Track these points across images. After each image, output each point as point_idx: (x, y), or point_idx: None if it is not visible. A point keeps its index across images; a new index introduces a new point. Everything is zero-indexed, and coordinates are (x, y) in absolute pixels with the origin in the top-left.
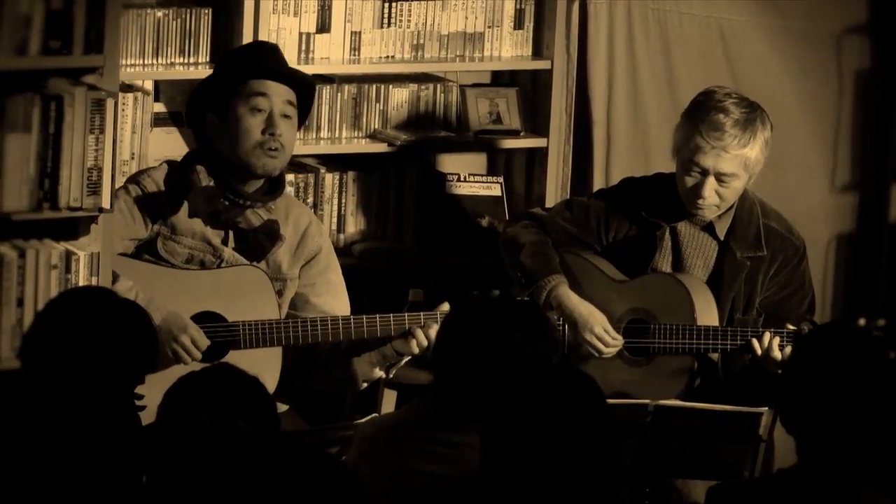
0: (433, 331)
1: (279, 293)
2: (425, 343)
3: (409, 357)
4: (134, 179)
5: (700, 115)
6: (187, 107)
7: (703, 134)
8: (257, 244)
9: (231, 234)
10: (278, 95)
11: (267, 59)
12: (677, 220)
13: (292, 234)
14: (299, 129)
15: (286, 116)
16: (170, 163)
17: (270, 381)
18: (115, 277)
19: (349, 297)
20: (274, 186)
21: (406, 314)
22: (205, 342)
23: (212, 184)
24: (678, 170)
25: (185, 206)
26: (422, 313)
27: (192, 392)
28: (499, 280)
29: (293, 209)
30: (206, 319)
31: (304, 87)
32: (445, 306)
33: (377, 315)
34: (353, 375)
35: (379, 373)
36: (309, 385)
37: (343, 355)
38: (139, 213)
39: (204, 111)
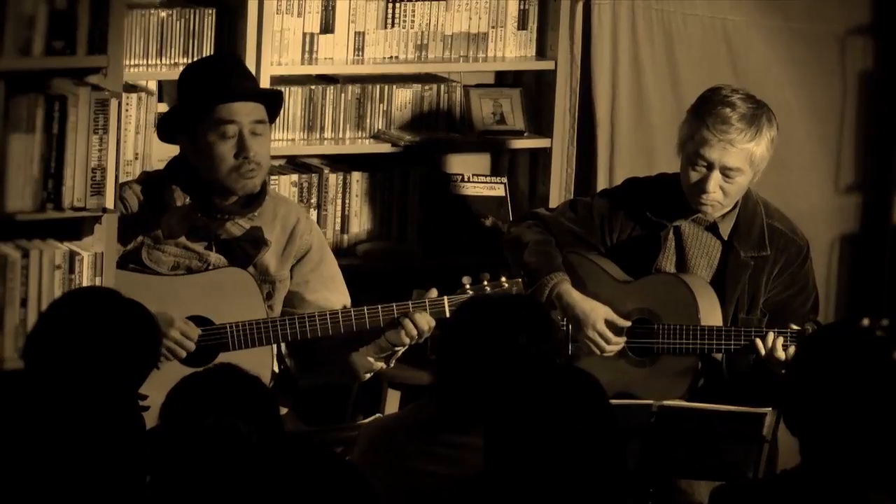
0: (419, 317)
1: (268, 295)
2: (414, 332)
3: (405, 347)
4: None
5: (707, 109)
6: (157, 129)
7: (710, 127)
8: (241, 252)
9: (213, 244)
10: (246, 115)
11: (230, 80)
12: (681, 220)
13: (279, 234)
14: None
15: (256, 134)
16: (149, 175)
17: (264, 380)
18: None
19: (353, 297)
20: (253, 196)
21: (394, 304)
22: (195, 331)
23: (188, 201)
24: (683, 164)
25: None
26: (409, 302)
27: (193, 393)
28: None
29: (280, 208)
30: (193, 324)
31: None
32: (433, 293)
33: (365, 307)
34: (354, 368)
35: (379, 364)
36: (310, 380)
37: (341, 350)
38: (121, 226)
39: (174, 133)
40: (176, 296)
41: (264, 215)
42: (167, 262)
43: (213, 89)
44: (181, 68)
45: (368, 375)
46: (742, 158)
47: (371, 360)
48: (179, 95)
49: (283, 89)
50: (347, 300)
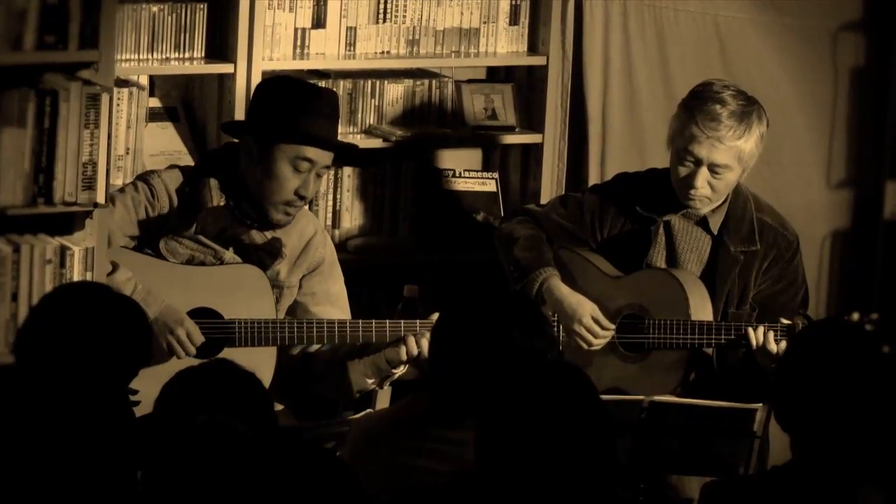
0: (426, 340)
1: (276, 301)
2: (415, 352)
3: (403, 370)
4: (144, 179)
5: (697, 105)
6: (232, 123)
7: (699, 123)
8: (257, 260)
9: (232, 247)
10: (321, 161)
11: (324, 127)
12: (671, 215)
13: (296, 243)
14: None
15: (319, 175)
16: (182, 170)
17: (264, 380)
18: (115, 267)
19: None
20: None
21: (402, 322)
22: (199, 338)
23: (223, 202)
24: (672, 159)
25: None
26: (417, 321)
27: (188, 388)
28: (494, 276)
29: (301, 218)
30: (201, 315)
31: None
32: (436, 316)
33: (373, 320)
34: (349, 385)
35: (373, 385)
36: (305, 391)
37: (339, 364)
38: (144, 215)
39: (244, 131)
40: (188, 284)
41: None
42: (183, 255)
43: (314, 132)
44: (172, 63)
45: (359, 394)
46: (731, 155)
47: (368, 380)
48: (275, 105)
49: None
50: (348, 318)
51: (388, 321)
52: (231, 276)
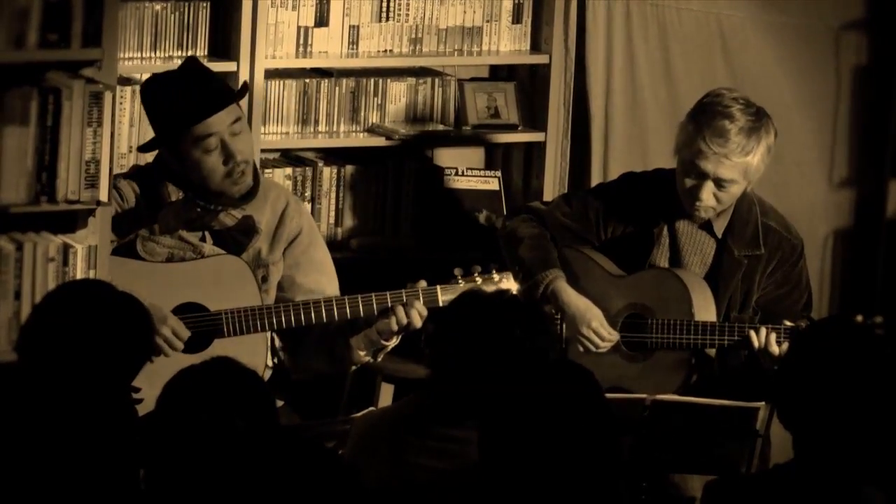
0: (413, 310)
1: (264, 279)
2: (404, 321)
3: (395, 341)
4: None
5: (705, 120)
6: (139, 150)
7: (707, 139)
8: (234, 241)
9: (207, 234)
10: (222, 123)
11: (199, 98)
12: (676, 218)
13: (270, 218)
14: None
15: (235, 134)
16: (141, 169)
17: (258, 367)
18: None
19: (347, 290)
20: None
21: (388, 293)
22: (185, 333)
23: (181, 195)
24: (678, 169)
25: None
26: (403, 291)
27: (190, 387)
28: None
29: (270, 192)
30: (188, 311)
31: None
32: (423, 284)
33: (359, 295)
34: (342, 358)
35: (366, 357)
36: (299, 371)
37: (331, 338)
38: (116, 217)
39: (156, 144)
40: (171, 283)
41: (255, 201)
42: (161, 254)
43: (186, 114)
44: (175, 61)
45: (354, 368)
46: (737, 171)
47: (361, 353)
48: (151, 119)
49: (275, 82)
50: (336, 284)
51: (374, 294)
52: (211, 268)
